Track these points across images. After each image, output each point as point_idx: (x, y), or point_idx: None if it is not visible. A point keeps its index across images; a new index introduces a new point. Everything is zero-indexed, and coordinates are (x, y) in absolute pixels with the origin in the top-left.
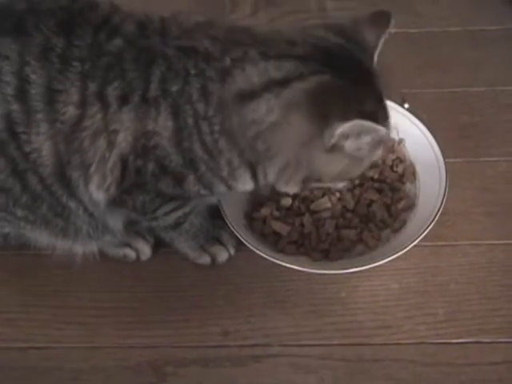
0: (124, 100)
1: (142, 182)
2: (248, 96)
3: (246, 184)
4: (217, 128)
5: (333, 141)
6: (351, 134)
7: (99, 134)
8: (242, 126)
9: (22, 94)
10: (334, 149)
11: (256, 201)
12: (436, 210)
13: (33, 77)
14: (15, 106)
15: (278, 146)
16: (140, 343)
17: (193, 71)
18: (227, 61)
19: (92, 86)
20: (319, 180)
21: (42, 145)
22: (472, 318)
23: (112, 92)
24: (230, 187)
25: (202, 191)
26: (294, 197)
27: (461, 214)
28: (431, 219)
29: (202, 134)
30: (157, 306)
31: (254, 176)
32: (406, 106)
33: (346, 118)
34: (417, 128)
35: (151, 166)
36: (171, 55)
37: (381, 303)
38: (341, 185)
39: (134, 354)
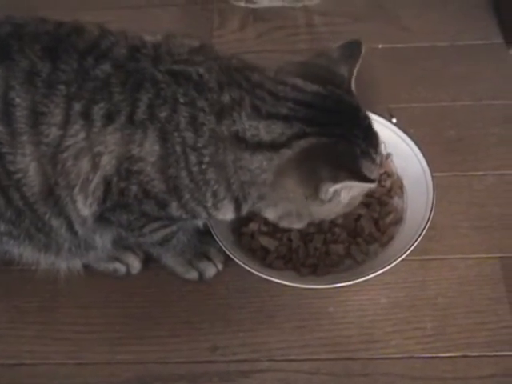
0: (109, 119)
1: (126, 203)
2: (243, 142)
3: (227, 215)
4: (206, 159)
5: (326, 197)
6: (343, 189)
7: (83, 155)
8: (235, 166)
9: (6, 117)
10: (332, 200)
11: (244, 216)
12: (424, 224)
13: (17, 100)
14: (0, 128)
15: (273, 200)
16: (128, 359)
17: (182, 99)
18: (226, 97)
19: (77, 106)
20: (323, 219)
21: (28, 166)
22: (460, 331)
23: (97, 111)
24: (210, 215)
25: (185, 216)
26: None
27: (448, 228)
28: (419, 233)
29: (189, 163)
30: (145, 322)
31: (238, 209)
32: (394, 120)
33: (335, 180)
34: (404, 143)
35: (134, 190)
36: (160, 80)
37: (369, 318)
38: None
39: (122, 370)
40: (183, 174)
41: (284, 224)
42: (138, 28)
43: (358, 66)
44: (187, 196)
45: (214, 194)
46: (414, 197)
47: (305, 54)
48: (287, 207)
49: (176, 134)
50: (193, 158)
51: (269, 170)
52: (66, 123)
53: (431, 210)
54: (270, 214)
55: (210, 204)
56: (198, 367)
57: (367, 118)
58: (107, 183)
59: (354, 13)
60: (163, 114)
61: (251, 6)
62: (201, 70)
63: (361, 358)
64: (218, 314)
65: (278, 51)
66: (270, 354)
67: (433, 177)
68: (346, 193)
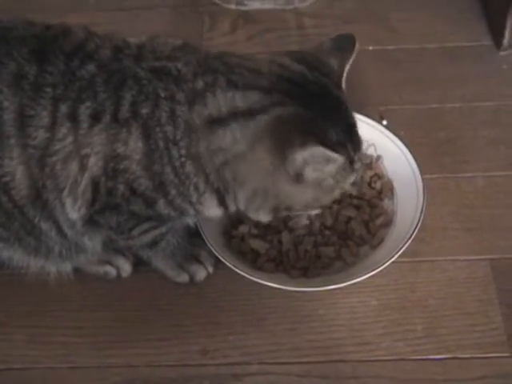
0: (95, 119)
1: (115, 204)
2: (216, 122)
3: (211, 210)
4: (183, 152)
5: (293, 169)
6: (310, 162)
7: (71, 159)
8: (209, 152)
9: None
10: (298, 178)
11: (234, 218)
12: (414, 226)
13: (5, 103)
14: None
15: (244, 175)
16: (119, 362)
17: (163, 94)
18: (200, 83)
19: (63, 108)
20: (289, 209)
21: (16, 169)
22: (450, 333)
23: (84, 111)
24: (197, 211)
25: (173, 214)
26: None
27: (439, 230)
28: (409, 235)
29: (172, 158)
30: (135, 325)
31: (223, 203)
32: (384, 122)
33: (303, 145)
34: (394, 145)
35: (122, 189)
36: (142, 77)
37: (360, 320)
38: (314, 212)
39: (112, 374)
40: (167, 169)
41: (252, 212)
42: (128, 30)
43: (350, 61)
44: (173, 192)
45: (196, 188)
46: (404, 199)
47: None
48: (255, 185)
49: (158, 129)
50: (174, 153)
51: (242, 138)
52: (53, 125)
53: (421, 212)
54: (242, 201)
55: (194, 199)
56: (189, 370)
57: (351, 116)
58: (95, 184)
59: (344, 15)
60: (145, 111)
61: (242, 8)
62: (179, 65)
63: (351, 361)
64: (209, 316)
65: (268, 53)
66: (260, 356)
67: (423, 179)
68: (311, 170)
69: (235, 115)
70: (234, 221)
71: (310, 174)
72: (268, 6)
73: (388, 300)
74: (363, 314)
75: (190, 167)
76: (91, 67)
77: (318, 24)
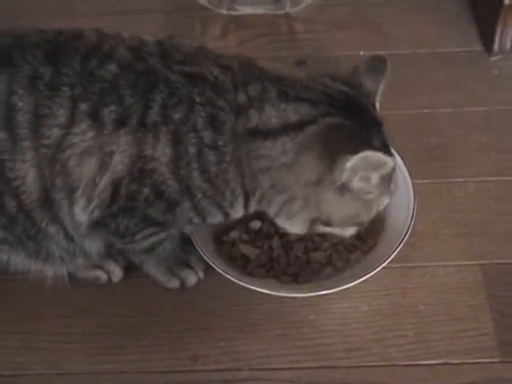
0: (121, 122)
1: (132, 207)
2: (262, 133)
3: (239, 212)
4: (227, 158)
5: (341, 176)
6: (359, 170)
7: (90, 155)
8: (248, 158)
9: (8, 122)
10: (344, 189)
11: (225, 224)
12: (405, 231)
13: (20, 104)
14: (1, 134)
15: (286, 183)
16: (109, 368)
17: (198, 99)
18: (242, 97)
19: (83, 107)
20: (328, 223)
21: (27, 172)
22: (441, 339)
23: (108, 114)
24: (226, 215)
25: (195, 219)
26: (263, 220)
27: (429, 236)
28: (400, 241)
29: (206, 163)
30: (126, 331)
31: (246, 204)
32: None
33: (355, 151)
34: None
35: (146, 191)
36: (175, 80)
37: (350, 326)
38: (349, 232)
39: (103, 380)
40: (196, 174)
41: (282, 219)
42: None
43: (384, 82)
44: (199, 195)
45: (233, 192)
46: (395, 204)
47: (286, 60)
48: (296, 192)
49: (192, 134)
50: (211, 157)
51: (291, 149)
52: (70, 123)
53: (412, 218)
54: (275, 206)
55: (227, 203)
56: (179, 376)
57: (386, 137)
58: (116, 185)
59: (335, 20)
60: (178, 115)
61: (233, 13)
62: (215, 71)
63: (342, 366)
64: (199, 322)
65: (259, 58)
66: (251, 362)
67: (414, 184)
68: (358, 179)
69: (286, 128)
70: (224, 226)
71: (356, 183)
72: (259, 10)
73: (379, 306)
74: (354, 320)
75: (231, 173)
76: (112, 67)
77: (310, 29)
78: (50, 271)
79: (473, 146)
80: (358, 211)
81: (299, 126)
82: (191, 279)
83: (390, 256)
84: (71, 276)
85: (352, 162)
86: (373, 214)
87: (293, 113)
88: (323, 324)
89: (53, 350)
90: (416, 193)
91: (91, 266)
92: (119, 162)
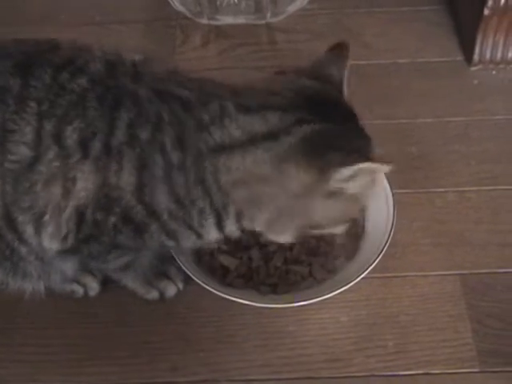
0: (84, 146)
1: (100, 235)
2: (228, 148)
3: (211, 233)
4: (192, 177)
5: (335, 186)
6: (352, 177)
7: (54, 180)
8: (215, 174)
9: None
10: (333, 193)
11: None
12: (384, 241)
13: None
14: None
15: (266, 197)
16: (87, 381)
17: (167, 118)
18: (204, 114)
19: (48, 126)
20: (318, 227)
21: None
22: (421, 349)
23: (71, 134)
24: (200, 236)
25: (167, 242)
26: (243, 230)
27: (410, 245)
28: (380, 251)
29: (174, 185)
30: (104, 342)
31: (220, 224)
32: None
33: (349, 162)
34: None
35: (113, 219)
36: (142, 96)
37: (330, 336)
38: (339, 229)
39: None
40: (162, 198)
41: (272, 235)
42: (100, 45)
43: (347, 67)
44: (165, 217)
45: (201, 211)
46: (374, 214)
47: (267, 70)
48: (279, 205)
49: (158, 156)
50: (178, 179)
51: (266, 161)
52: (37, 145)
53: (392, 228)
54: (260, 222)
55: (195, 222)
56: None
57: (361, 123)
58: (80, 214)
59: (316, 30)
60: (144, 135)
61: (214, 22)
62: (183, 91)
63: (322, 377)
64: (178, 333)
65: (239, 68)
66: (229, 373)
67: (393, 194)
68: (355, 183)
69: (253, 139)
70: None
71: (351, 186)
72: (240, 20)
73: (359, 316)
74: (334, 330)
75: (198, 192)
76: (83, 81)
77: (290, 39)
78: (28, 287)
79: (453, 155)
80: (346, 209)
81: (270, 137)
82: (170, 290)
83: (369, 266)
84: (48, 289)
85: (344, 173)
86: (361, 205)
87: (259, 123)
88: (303, 334)
89: (29, 361)
90: (396, 203)
91: (67, 280)
92: (83, 189)
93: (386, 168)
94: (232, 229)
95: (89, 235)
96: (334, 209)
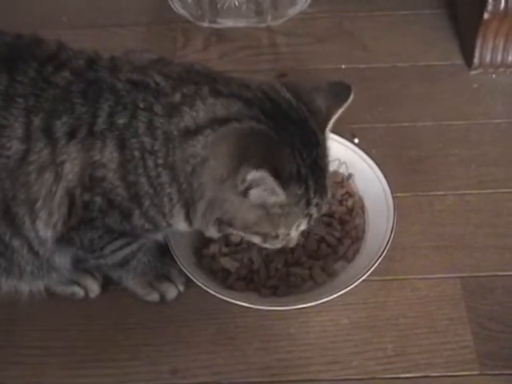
0: (71, 135)
1: (90, 218)
2: (193, 132)
3: (180, 223)
4: (160, 162)
5: (241, 184)
6: (258, 185)
7: (45, 167)
8: (182, 161)
9: None
10: (245, 194)
11: (205, 237)
12: (384, 244)
13: None
14: None
15: (203, 182)
16: (88, 383)
17: (141, 105)
18: (177, 97)
19: (36, 121)
20: (230, 224)
21: None
22: (421, 352)
23: (60, 127)
24: (168, 224)
25: (147, 226)
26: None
27: (409, 249)
28: (379, 254)
29: (147, 168)
30: (105, 345)
31: (187, 216)
32: (356, 140)
33: (257, 167)
34: (365, 163)
35: (99, 201)
36: (120, 88)
37: (330, 339)
38: (257, 240)
39: None
40: (142, 179)
41: (203, 228)
42: (101, 47)
43: (341, 109)
44: (147, 202)
45: (170, 199)
46: (374, 217)
47: (267, 74)
48: (210, 194)
49: (134, 140)
50: (150, 162)
51: (209, 142)
52: (27, 138)
53: (392, 231)
54: (198, 214)
55: (166, 210)
56: None
57: (324, 160)
58: (71, 196)
59: (317, 33)
60: (122, 121)
61: (215, 26)
62: (157, 78)
63: (322, 380)
64: (179, 335)
65: (240, 71)
66: (230, 376)
67: (394, 197)
68: (257, 192)
69: (212, 122)
70: (204, 239)
71: (255, 195)
72: (241, 24)
73: (359, 319)
74: (334, 333)
75: (165, 177)
76: (66, 74)
77: (291, 42)
78: (25, 288)
79: (453, 159)
80: (259, 220)
81: (224, 122)
82: (171, 292)
83: (369, 269)
84: (47, 291)
85: (252, 175)
86: (280, 229)
87: (222, 108)
88: (303, 337)
89: (29, 363)
90: (396, 206)
91: (68, 282)
92: (70, 171)
93: (282, 195)
94: (197, 224)
95: (79, 220)
96: (245, 211)
